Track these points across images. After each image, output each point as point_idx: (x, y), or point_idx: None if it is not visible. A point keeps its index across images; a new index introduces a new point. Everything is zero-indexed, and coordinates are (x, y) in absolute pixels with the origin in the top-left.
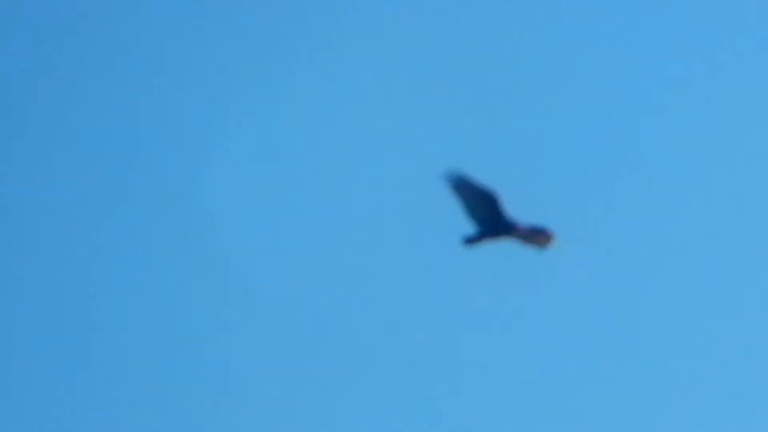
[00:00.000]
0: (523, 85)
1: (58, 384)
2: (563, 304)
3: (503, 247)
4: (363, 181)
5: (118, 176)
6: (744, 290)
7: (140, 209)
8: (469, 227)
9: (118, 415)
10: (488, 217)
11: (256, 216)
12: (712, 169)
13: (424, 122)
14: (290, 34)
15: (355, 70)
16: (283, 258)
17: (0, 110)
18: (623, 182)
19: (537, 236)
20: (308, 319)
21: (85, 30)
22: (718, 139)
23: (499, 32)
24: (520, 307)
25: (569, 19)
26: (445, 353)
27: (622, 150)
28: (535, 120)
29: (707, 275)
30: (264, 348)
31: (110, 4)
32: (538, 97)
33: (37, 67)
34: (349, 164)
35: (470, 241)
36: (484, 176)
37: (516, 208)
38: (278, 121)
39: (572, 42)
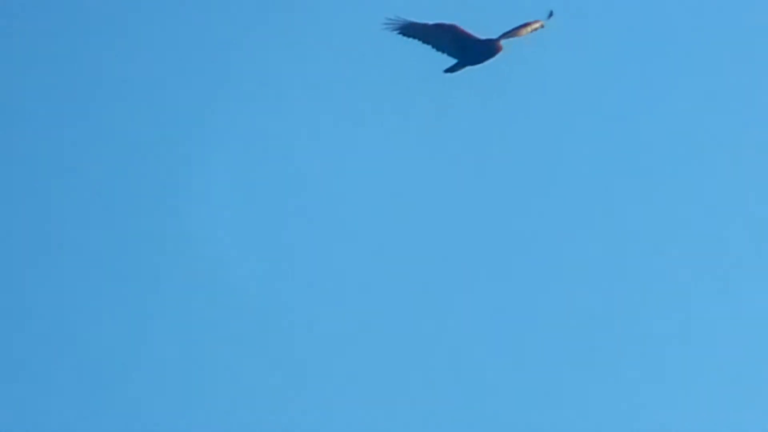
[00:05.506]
0: None
1: (42, 382)
2: None
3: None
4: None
5: (104, 178)
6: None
7: (125, 210)
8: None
9: (103, 414)
10: (459, 47)
11: (239, 218)
12: None
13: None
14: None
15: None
16: (267, 260)
17: None
18: None
19: (521, 30)
20: (293, 320)
21: (73, 31)
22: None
23: None
24: None
25: None
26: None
27: None
28: None
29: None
30: (250, 347)
31: (96, 7)
32: None
33: (19, 69)
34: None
35: (451, 69)
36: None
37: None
38: (259, 124)
39: None
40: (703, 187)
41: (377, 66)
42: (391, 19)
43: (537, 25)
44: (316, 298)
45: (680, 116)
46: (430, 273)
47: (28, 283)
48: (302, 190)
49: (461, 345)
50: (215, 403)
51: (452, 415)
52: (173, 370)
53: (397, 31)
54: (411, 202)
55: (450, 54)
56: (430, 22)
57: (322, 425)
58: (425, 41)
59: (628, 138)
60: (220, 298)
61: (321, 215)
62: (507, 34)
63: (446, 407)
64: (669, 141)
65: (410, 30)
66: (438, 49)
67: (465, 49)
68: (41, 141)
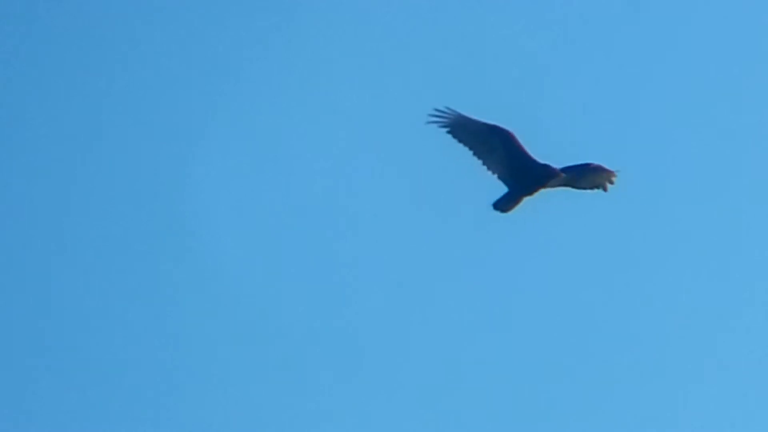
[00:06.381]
0: None
1: (41, 382)
2: None
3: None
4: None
5: (101, 176)
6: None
7: (124, 208)
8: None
9: (102, 414)
10: (511, 164)
11: (238, 216)
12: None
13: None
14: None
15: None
16: (265, 258)
17: None
18: None
19: (593, 175)
20: (291, 318)
21: (70, 30)
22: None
23: None
24: None
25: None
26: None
27: None
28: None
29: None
30: (246, 346)
31: (94, 5)
32: None
33: (19, 69)
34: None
35: (502, 204)
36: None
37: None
38: (259, 122)
39: None
40: None
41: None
42: (440, 111)
43: (609, 175)
44: (316, 299)
45: None
46: (431, 272)
47: (28, 283)
48: (302, 190)
49: (461, 346)
50: (215, 403)
51: (451, 417)
52: (173, 370)
53: (446, 128)
54: (410, 201)
55: (500, 173)
56: (485, 122)
57: (322, 425)
58: (474, 147)
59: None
60: (219, 298)
61: (321, 215)
62: (572, 171)
63: (446, 409)
64: None
65: (461, 127)
66: (486, 162)
67: (517, 166)
68: (41, 141)
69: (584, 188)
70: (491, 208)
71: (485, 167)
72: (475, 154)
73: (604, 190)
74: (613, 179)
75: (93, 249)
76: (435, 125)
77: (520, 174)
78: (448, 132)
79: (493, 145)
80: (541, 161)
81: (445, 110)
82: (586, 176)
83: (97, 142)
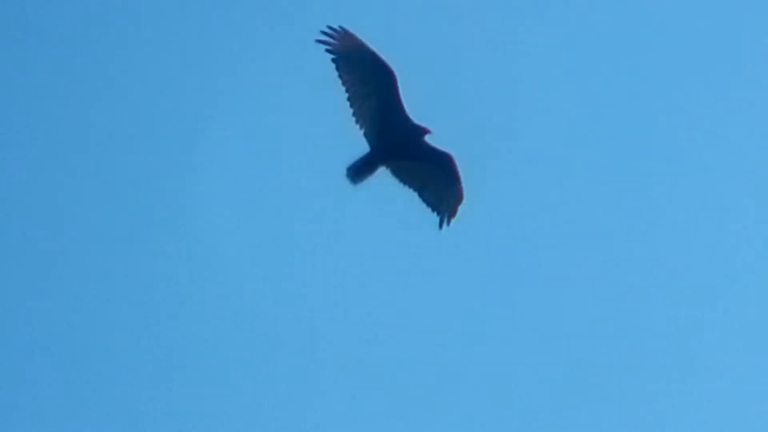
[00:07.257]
0: None
1: (39, 380)
2: None
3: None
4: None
5: (104, 175)
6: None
7: (126, 207)
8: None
9: (100, 413)
10: (383, 116)
11: (237, 215)
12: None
13: None
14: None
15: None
16: (265, 258)
17: None
18: None
19: (444, 178)
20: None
21: (71, 30)
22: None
23: None
24: None
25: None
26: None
27: None
28: None
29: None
30: (247, 346)
31: (96, 5)
32: None
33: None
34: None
35: (356, 171)
36: None
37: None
38: (260, 122)
39: None
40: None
41: None
42: (332, 29)
43: (456, 192)
44: (317, 300)
45: None
46: (432, 274)
47: (28, 283)
48: (303, 191)
49: (464, 348)
50: (215, 403)
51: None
52: (173, 370)
53: (333, 52)
54: (411, 204)
55: (368, 128)
56: (376, 53)
57: (322, 426)
58: (352, 88)
59: None
60: (218, 297)
61: (322, 215)
62: (431, 153)
63: (446, 411)
64: None
65: (347, 57)
66: (357, 112)
67: (388, 121)
68: (41, 141)
69: (427, 200)
70: (345, 172)
71: (355, 119)
72: (350, 98)
73: (441, 222)
74: (457, 206)
75: (92, 248)
76: (323, 47)
77: (388, 131)
78: (334, 60)
79: (371, 89)
80: (415, 122)
81: (338, 29)
82: (435, 176)
83: (96, 142)
